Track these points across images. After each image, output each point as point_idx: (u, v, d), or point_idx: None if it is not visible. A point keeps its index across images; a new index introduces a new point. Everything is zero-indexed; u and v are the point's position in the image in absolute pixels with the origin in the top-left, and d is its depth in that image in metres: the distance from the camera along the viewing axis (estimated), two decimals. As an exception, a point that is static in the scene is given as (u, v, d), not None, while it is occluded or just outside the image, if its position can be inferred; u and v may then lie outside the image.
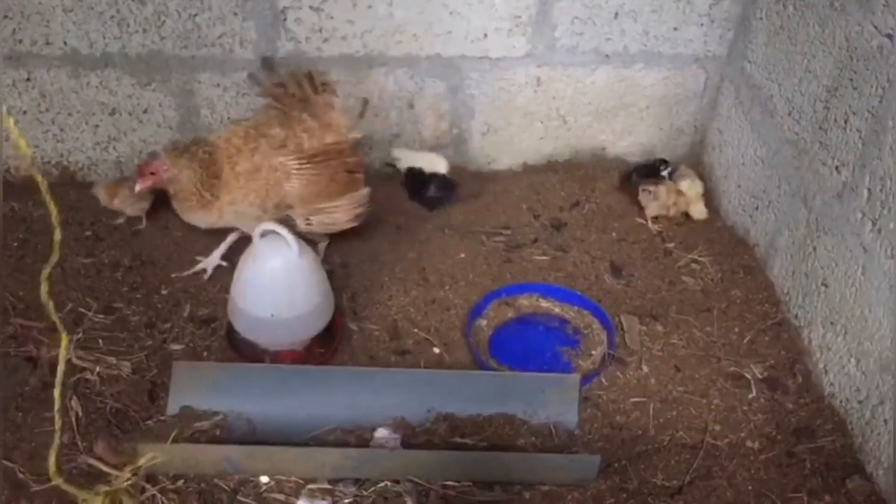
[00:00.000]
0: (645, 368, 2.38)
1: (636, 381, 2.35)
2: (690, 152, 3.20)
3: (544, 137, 3.11)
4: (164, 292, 2.54)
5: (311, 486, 2.00)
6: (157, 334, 2.39)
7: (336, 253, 2.71)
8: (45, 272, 1.58)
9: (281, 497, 1.99)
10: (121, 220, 2.78)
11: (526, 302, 2.60)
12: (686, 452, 2.14)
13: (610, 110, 3.06)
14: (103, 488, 1.88)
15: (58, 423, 1.70)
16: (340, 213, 2.48)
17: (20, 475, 1.98)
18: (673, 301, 2.61)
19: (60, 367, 1.66)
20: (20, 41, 2.66)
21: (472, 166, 3.13)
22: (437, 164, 2.98)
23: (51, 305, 1.60)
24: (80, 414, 2.13)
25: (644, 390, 2.32)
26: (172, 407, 2.14)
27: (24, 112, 2.79)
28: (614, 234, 2.89)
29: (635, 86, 3.00)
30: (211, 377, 2.16)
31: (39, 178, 1.50)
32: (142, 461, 1.91)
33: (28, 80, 2.74)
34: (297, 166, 2.38)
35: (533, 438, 2.14)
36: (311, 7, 2.69)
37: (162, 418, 2.13)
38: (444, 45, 2.83)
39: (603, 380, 2.34)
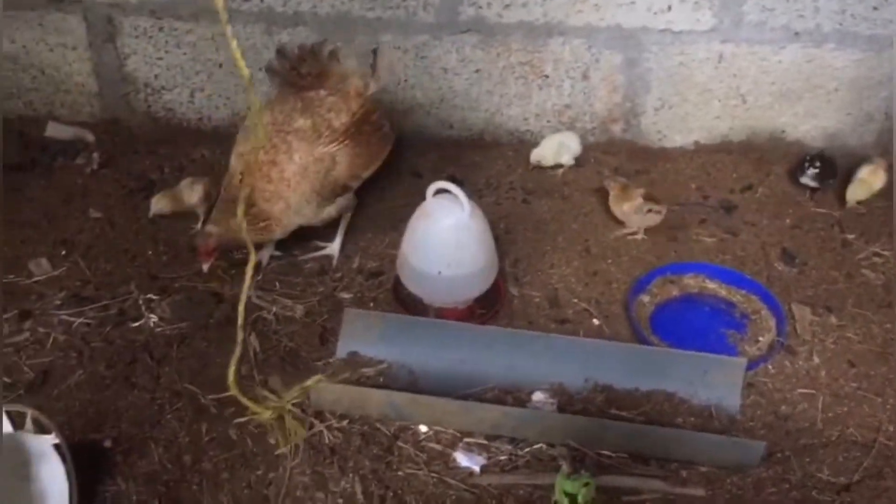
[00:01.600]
0: (816, 360, 2.28)
1: (805, 373, 2.26)
2: (878, 140, 3.01)
3: (720, 116, 3.01)
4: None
5: (468, 439, 2.06)
6: (328, 282, 2.51)
7: (501, 219, 2.74)
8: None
9: (438, 447, 2.05)
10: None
11: (692, 281, 2.54)
12: (856, 450, 2.05)
13: (794, 91, 2.92)
14: (272, 404, 1.98)
15: (240, 337, 1.81)
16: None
17: (202, 400, 2.14)
18: (850, 294, 2.48)
19: (247, 282, 1.78)
20: (221, -3, 2.83)
21: (641, 142, 3.08)
22: (571, 142, 2.94)
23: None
24: (258, 349, 2.27)
25: (813, 382, 2.23)
26: (341, 351, 2.25)
27: (220, 65, 2.98)
28: (788, 221, 2.78)
29: (825, 67, 2.85)
30: (379, 326, 2.24)
31: (251, 93, 1.63)
32: (309, 382, 1.99)
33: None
34: (338, 148, 2.37)
35: (692, 418, 2.11)
36: (494, -27, 2.72)
37: (331, 361, 2.24)
38: (626, 16, 2.79)
39: (770, 367, 2.26)
